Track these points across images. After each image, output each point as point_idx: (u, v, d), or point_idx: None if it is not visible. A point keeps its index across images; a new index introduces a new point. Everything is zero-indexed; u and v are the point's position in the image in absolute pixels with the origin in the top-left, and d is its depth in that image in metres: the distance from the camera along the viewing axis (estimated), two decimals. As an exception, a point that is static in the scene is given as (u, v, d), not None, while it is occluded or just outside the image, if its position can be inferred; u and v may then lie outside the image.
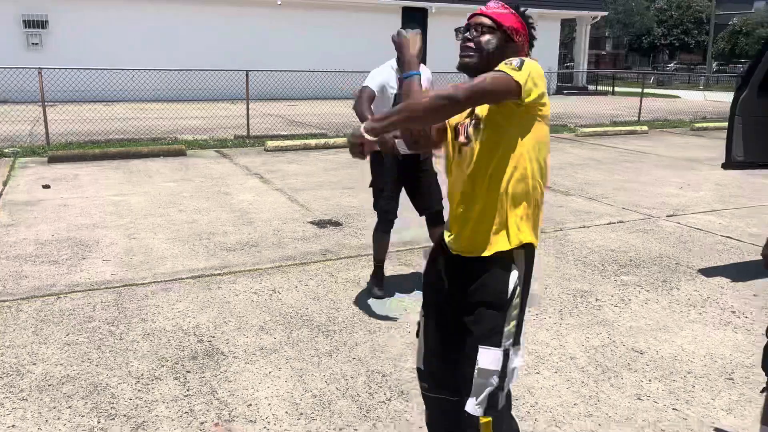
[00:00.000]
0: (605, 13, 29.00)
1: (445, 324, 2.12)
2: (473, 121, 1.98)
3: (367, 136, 1.90)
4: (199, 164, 9.07)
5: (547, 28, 25.28)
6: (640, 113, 15.39)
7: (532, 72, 1.82)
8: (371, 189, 4.22)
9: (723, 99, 23.51)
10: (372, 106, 3.82)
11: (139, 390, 3.04)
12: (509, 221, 1.92)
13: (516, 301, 1.94)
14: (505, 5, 2.01)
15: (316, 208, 6.60)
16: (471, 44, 1.97)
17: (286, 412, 2.88)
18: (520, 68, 1.81)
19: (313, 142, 10.73)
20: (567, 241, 5.54)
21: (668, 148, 11.45)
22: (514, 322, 1.95)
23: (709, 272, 4.80)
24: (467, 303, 1.98)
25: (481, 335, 1.93)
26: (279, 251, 5.18)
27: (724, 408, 2.97)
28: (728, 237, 5.72)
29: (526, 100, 1.82)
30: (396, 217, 4.17)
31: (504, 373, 1.93)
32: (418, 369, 2.22)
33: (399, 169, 4.03)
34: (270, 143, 10.44)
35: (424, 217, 4.22)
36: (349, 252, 5.19)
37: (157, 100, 15.13)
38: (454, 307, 2.05)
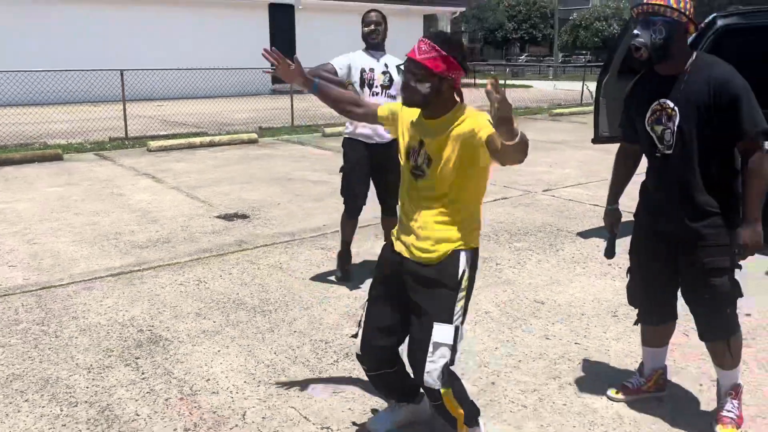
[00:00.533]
0: (463, 9, 30.58)
1: (391, 304, 2.41)
2: (425, 158, 2.26)
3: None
4: (80, 168, 8.74)
5: (411, 23, 26.32)
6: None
7: None
8: (341, 174, 4.34)
9: (571, 87, 25.74)
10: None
11: (93, 379, 3.13)
12: (461, 228, 2.28)
13: (465, 284, 2.28)
14: (433, 44, 2.17)
15: (218, 203, 6.69)
16: (411, 89, 2.22)
17: (245, 382, 3.10)
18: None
19: (197, 140, 10.64)
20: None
21: (534, 133, 12.53)
22: (462, 302, 2.29)
23: (585, 234, 5.53)
24: (420, 285, 2.29)
25: (435, 313, 2.25)
26: (193, 245, 5.28)
27: (614, 338, 3.57)
28: (596, 205, 6.55)
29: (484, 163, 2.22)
30: (363, 204, 4.31)
31: (455, 348, 2.25)
32: (358, 355, 2.50)
33: (369, 159, 4.20)
34: (153, 143, 10.22)
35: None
36: (264, 241, 5.39)
37: (19, 105, 14.14)
38: (402, 289, 2.36)
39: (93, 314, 3.90)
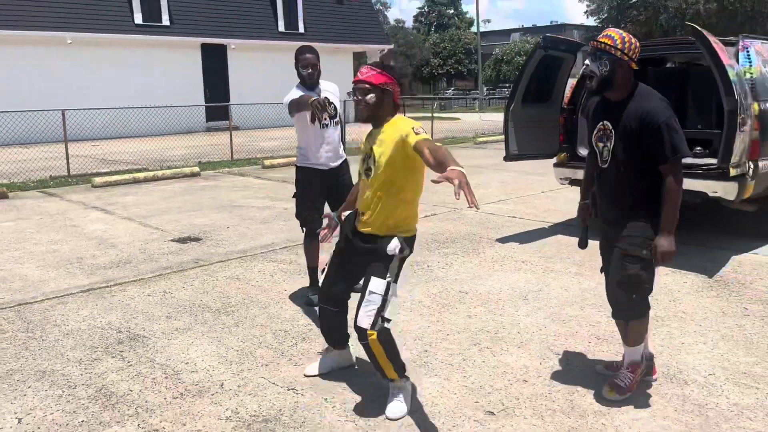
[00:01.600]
0: (391, 47, 31.90)
1: (344, 263, 3.18)
2: (373, 160, 2.97)
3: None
4: (28, 204, 9.02)
5: (341, 60, 27.32)
6: (432, 133, 17.64)
7: (421, 128, 2.82)
8: (294, 200, 4.57)
9: (495, 118, 27.25)
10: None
11: (85, 368, 3.63)
12: (398, 216, 2.99)
13: (398, 255, 2.98)
14: (372, 67, 2.95)
15: (171, 229, 7.18)
16: (361, 103, 2.95)
17: (219, 362, 3.67)
18: (418, 132, 2.77)
19: (141, 175, 11.03)
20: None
21: (459, 159, 13.49)
22: (395, 268, 3.01)
23: (503, 240, 6.34)
24: (367, 252, 3.03)
25: (374, 271, 2.98)
26: (154, 264, 5.78)
27: (524, 315, 4.33)
28: (513, 217, 7.42)
29: (415, 165, 2.88)
30: (319, 226, 4.31)
31: (385, 299, 2.94)
32: (319, 289, 3.30)
33: (321, 183, 4.43)
34: (97, 180, 10.55)
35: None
36: (219, 258, 5.94)
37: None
38: (355, 254, 3.10)
39: (72, 322, 4.37)
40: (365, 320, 2.92)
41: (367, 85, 2.93)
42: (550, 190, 9.11)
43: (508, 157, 6.39)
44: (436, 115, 30.94)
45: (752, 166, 5.24)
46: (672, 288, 4.84)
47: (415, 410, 3.09)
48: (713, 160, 5.35)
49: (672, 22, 28.94)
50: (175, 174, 11.43)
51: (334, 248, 3.28)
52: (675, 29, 28.11)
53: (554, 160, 6.55)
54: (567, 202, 8.08)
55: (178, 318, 4.41)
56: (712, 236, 6.29)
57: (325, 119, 4.31)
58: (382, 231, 3.00)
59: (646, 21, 29.91)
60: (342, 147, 4.61)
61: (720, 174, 5.08)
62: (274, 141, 17.66)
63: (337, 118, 4.49)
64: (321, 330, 3.42)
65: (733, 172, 4.97)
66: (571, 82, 6.63)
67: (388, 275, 2.97)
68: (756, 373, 3.41)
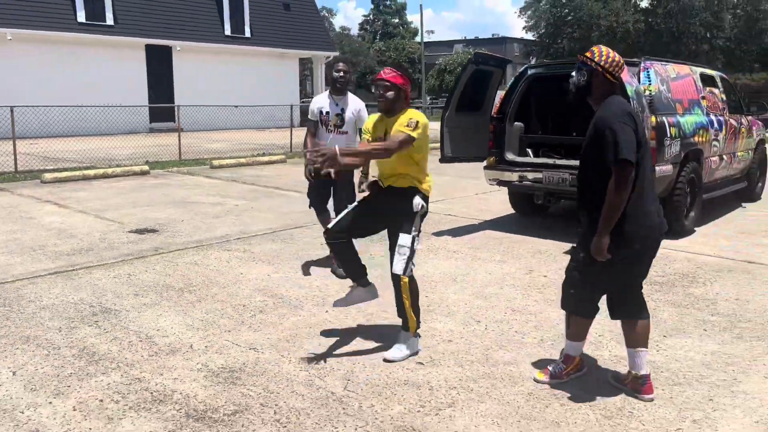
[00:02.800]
0: (336, 53, 32.52)
1: (365, 214, 3.85)
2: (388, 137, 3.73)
3: (340, 159, 3.42)
4: (-21, 198, 9.18)
5: (287, 64, 27.80)
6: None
7: (421, 127, 3.60)
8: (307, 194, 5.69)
9: (438, 127, 28.23)
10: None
11: (65, 335, 4.08)
12: (413, 173, 3.73)
13: (420, 211, 3.72)
14: (394, 69, 3.73)
15: (128, 222, 7.58)
16: (382, 98, 3.70)
17: (186, 329, 4.20)
18: (414, 129, 3.58)
19: (91, 172, 11.27)
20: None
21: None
22: (417, 223, 3.73)
23: (438, 234, 7.04)
24: (394, 211, 3.73)
25: (402, 228, 3.69)
26: (115, 251, 6.20)
27: (451, 293, 5.01)
28: (448, 215, 8.14)
29: (416, 143, 3.61)
30: (322, 209, 5.57)
31: (412, 249, 3.70)
32: (327, 228, 3.87)
33: (326, 184, 5.39)
34: (47, 175, 10.75)
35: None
36: (177, 247, 6.41)
37: None
38: (382, 209, 3.79)
39: (45, 298, 4.79)
40: (399, 267, 3.70)
41: (388, 83, 3.67)
42: (482, 192, 9.90)
43: (443, 159, 7.11)
44: (379, 121, 31.67)
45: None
46: (580, 273, 5.63)
47: (362, 362, 3.71)
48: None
49: (603, 39, 30.67)
50: (125, 172, 11.71)
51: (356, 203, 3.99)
52: (607, 46, 29.79)
53: (485, 163, 7.31)
54: (497, 203, 8.87)
55: (144, 296, 4.89)
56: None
57: (330, 127, 5.39)
58: (405, 185, 3.75)
59: (580, 38, 31.59)
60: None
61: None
62: (220, 143, 17.97)
63: (345, 129, 5.39)
64: (341, 267, 4.15)
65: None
66: (500, 93, 7.41)
67: (413, 230, 3.70)
68: (636, 335, 4.18)
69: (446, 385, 3.46)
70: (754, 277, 5.49)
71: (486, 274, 5.55)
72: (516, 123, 7.30)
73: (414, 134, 3.58)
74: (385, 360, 3.72)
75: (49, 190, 9.89)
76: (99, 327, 4.22)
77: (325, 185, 5.45)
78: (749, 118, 8.92)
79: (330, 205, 5.58)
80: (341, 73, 5.32)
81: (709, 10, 29.92)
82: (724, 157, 7.83)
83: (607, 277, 3.28)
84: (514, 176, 6.91)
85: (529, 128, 7.54)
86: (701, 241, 6.76)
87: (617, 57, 3.24)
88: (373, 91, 3.80)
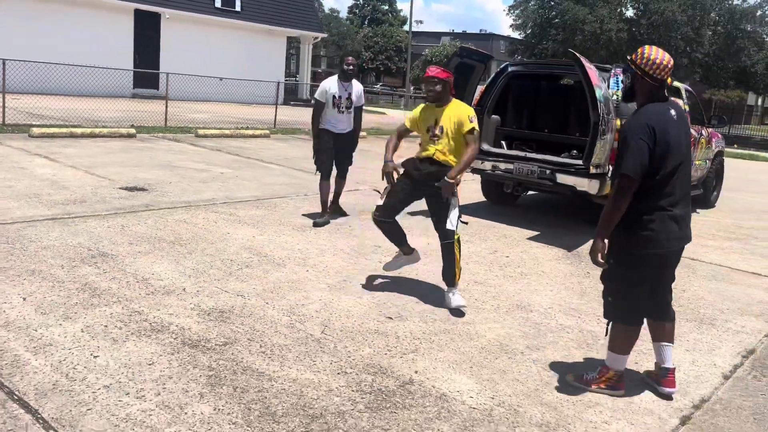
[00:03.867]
0: (325, 35, 32.72)
1: (405, 192, 4.58)
2: (440, 129, 4.45)
3: (457, 179, 4.38)
4: (-32, 146, 9.38)
5: (274, 42, 27.93)
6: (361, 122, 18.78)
7: (475, 118, 4.40)
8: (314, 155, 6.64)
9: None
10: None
11: (67, 271, 4.47)
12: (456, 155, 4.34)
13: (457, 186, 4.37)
14: (438, 67, 4.49)
15: (118, 180, 7.90)
16: (431, 91, 4.42)
17: (179, 275, 4.61)
18: (472, 121, 4.36)
19: (79, 131, 11.49)
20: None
21: (383, 147, 14.69)
22: (457, 194, 4.36)
23: (413, 213, 7.51)
24: (434, 180, 4.40)
25: (445, 201, 4.33)
26: (107, 205, 6.55)
27: (422, 265, 5.48)
28: (423, 197, 8.61)
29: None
30: (330, 169, 6.63)
31: (456, 212, 4.38)
32: (378, 206, 4.57)
33: (334, 144, 6.56)
34: (36, 130, 10.95)
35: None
36: (167, 205, 6.79)
37: None
38: (421, 183, 4.50)
39: (45, 240, 5.15)
40: (451, 225, 4.39)
41: (436, 79, 4.40)
42: (471, 179, 10.37)
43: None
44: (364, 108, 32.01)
45: (612, 169, 6.65)
46: (539, 256, 6.16)
47: (338, 313, 4.17)
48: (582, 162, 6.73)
49: (586, 44, 31.33)
50: (112, 133, 11.95)
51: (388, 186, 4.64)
52: (588, 51, 30.49)
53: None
54: (470, 191, 9.36)
55: (138, 245, 5.28)
56: (578, 223, 7.72)
57: (342, 107, 6.53)
58: (450, 161, 4.45)
59: (564, 41, 32.18)
60: (352, 125, 6.69)
61: (585, 172, 6.45)
62: (203, 114, 18.17)
63: (351, 109, 6.61)
64: (390, 240, 4.78)
65: (592, 170, 6.35)
66: (480, 87, 7.88)
67: (454, 199, 4.43)
68: (581, 309, 4.72)
69: (411, 336, 3.94)
70: (693, 271, 6.09)
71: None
72: (493, 116, 7.79)
73: (477, 127, 4.42)
74: (459, 307, 4.38)
75: (38, 144, 10.12)
76: (98, 267, 4.61)
77: (336, 153, 6.63)
78: (709, 130, 9.54)
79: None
80: (351, 66, 6.53)
81: (690, 25, 30.74)
82: (683, 164, 8.41)
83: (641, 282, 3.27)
84: (487, 165, 7.40)
85: (505, 122, 8.04)
86: (653, 239, 7.34)
87: (660, 58, 3.09)
88: (422, 87, 4.64)
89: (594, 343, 4.09)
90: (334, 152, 6.63)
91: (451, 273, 4.48)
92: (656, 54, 3.09)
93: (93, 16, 21.98)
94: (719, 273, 6.18)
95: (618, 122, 6.67)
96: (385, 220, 4.58)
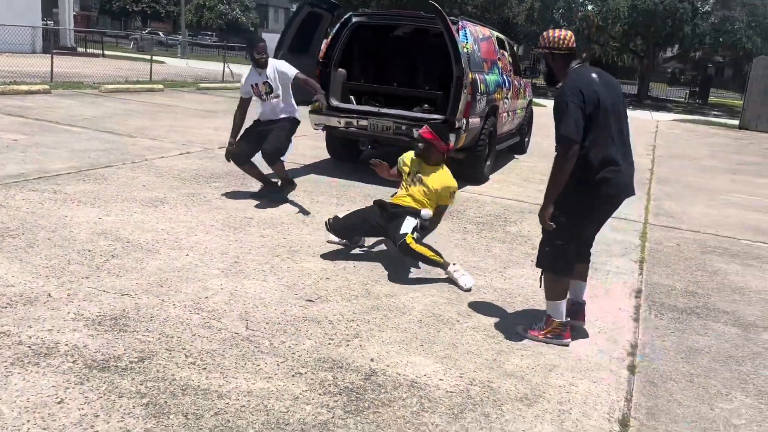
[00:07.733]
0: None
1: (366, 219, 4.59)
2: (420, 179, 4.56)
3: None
4: None
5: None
6: (151, 74, 17.07)
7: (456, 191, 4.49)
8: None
9: (203, 66, 27.05)
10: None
11: None
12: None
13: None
14: (431, 131, 4.58)
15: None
16: (421, 149, 4.64)
17: (34, 277, 3.71)
18: (452, 197, 4.65)
19: None
20: (157, 167, 6.93)
21: (189, 103, 13.49)
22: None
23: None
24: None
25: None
26: None
27: (306, 234, 5.08)
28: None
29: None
30: (241, 160, 6.05)
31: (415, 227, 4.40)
32: (335, 217, 4.63)
33: (257, 130, 6.08)
34: None
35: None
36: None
37: None
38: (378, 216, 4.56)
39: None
40: (403, 230, 4.31)
41: (426, 139, 4.58)
42: (303, 135, 9.89)
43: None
44: (138, 56, 29.32)
45: (465, 123, 6.75)
46: (411, 214, 6.08)
47: (251, 303, 3.67)
48: (439, 116, 6.73)
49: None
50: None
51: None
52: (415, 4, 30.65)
53: (309, 107, 7.34)
54: (308, 148, 8.97)
55: (153, 190, 4.15)
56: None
57: (264, 96, 5.99)
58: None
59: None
60: (282, 113, 6.07)
61: (447, 126, 6.44)
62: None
63: (274, 94, 5.97)
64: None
65: (457, 124, 6.38)
66: (325, 41, 7.46)
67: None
68: (481, 267, 4.74)
69: (344, 318, 3.61)
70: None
71: (328, 214, 5.69)
72: (340, 69, 7.44)
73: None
74: (467, 286, 4.22)
75: None
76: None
77: (258, 140, 6.02)
78: (524, 81, 10.20)
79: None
80: (263, 54, 5.91)
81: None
82: (509, 113, 8.91)
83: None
84: (341, 122, 7.09)
85: (351, 76, 7.73)
86: (497, 188, 7.69)
87: (557, 33, 3.39)
88: (416, 144, 4.76)
89: (512, 300, 4.13)
90: (255, 138, 6.05)
91: (433, 263, 4.36)
92: (556, 33, 3.42)
93: None
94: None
95: (471, 76, 6.75)
96: (342, 236, 4.74)
